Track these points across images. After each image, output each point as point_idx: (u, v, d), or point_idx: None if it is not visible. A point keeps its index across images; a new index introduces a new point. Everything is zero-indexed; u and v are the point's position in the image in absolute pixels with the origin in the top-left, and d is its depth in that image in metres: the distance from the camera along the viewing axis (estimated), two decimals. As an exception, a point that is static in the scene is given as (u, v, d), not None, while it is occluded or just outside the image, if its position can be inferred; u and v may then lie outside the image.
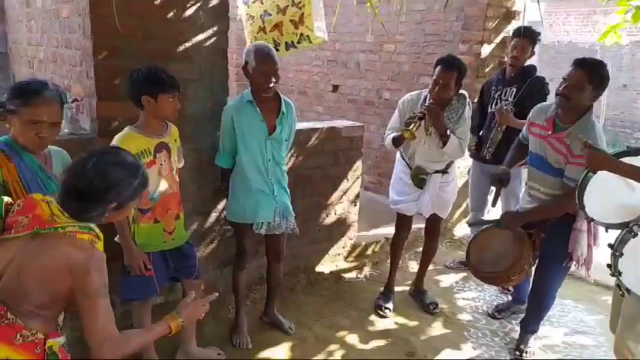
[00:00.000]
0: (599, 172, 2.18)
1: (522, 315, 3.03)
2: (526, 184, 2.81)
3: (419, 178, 3.07)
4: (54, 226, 1.46)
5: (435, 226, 3.31)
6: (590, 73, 2.35)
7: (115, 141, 2.18)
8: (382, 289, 3.40)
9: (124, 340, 1.54)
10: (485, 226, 2.85)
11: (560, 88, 2.42)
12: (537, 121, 2.64)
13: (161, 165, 2.27)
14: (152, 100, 2.16)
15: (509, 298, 3.38)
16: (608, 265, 2.21)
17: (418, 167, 3.06)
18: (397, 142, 2.98)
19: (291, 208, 2.81)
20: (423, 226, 4.32)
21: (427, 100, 2.96)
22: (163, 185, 2.30)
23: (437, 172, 3.07)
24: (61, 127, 1.94)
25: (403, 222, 3.28)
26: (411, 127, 2.81)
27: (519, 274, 2.56)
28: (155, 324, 1.66)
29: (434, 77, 2.88)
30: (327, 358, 2.77)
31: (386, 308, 3.25)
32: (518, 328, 2.97)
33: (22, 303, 1.47)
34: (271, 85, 2.54)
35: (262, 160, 2.65)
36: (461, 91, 2.97)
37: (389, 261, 3.45)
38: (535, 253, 2.64)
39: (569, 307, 3.41)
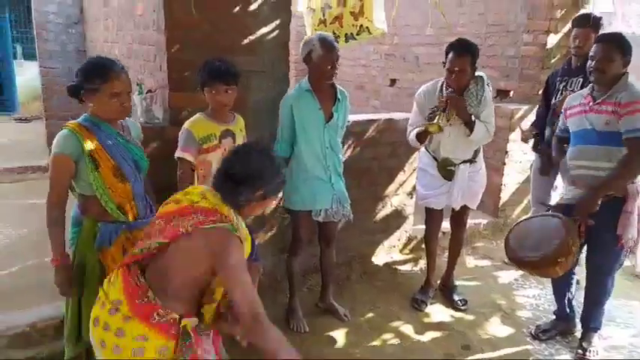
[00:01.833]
0: None
1: (571, 336, 2.92)
2: (568, 171, 2.69)
3: (447, 170, 3.01)
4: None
5: (463, 217, 3.24)
6: (616, 43, 2.48)
7: (187, 124, 2.37)
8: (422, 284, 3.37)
9: (270, 325, 1.58)
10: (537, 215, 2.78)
11: (592, 65, 2.50)
12: (574, 103, 2.67)
13: (224, 150, 2.40)
14: (203, 90, 2.35)
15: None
16: None
17: (445, 159, 3.01)
18: (422, 137, 2.95)
19: (347, 194, 2.87)
20: (483, 221, 4.32)
21: (444, 88, 2.91)
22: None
23: (464, 162, 3.01)
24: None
25: (433, 216, 3.21)
26: (435, 120, 2.77)
27: (567, 256, 2.40)
28: (290, 347, 1.62)
29: (447, 66, 2.83)
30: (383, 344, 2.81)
31: (422, 302, 3.22)
32: (580, 327, 2.86)
33: (165, 282, 1.62)
34: (333, 74, 2.64)
35: (320, 148, 2.73)
36: (477, 73, 2.90)
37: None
38: (581, 241, 2.53)
39: (636, 309, 3.25)
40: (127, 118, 2.17)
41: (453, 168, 3.01)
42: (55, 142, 1.99)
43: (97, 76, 1.97)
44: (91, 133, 2.01)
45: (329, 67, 2.62)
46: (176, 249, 1.62)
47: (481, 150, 3.11)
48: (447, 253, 3.45)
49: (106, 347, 1.59)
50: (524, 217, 2.79)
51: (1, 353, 2.44)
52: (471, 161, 3.04)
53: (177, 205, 1.69)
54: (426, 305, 3.22)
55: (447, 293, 3.35)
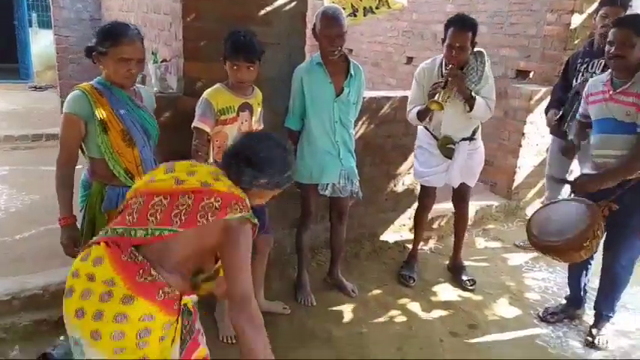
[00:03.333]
0: None
1: (578, 322, 2.90)
2: (591, 158, 2.63)
3: (447, 149, 2.97)
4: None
5: (464, 195, 3.21)
6: (635, 27, 2.36)
7: (206, 94, 2.35)
8: (406, 258, 3.38)
9: (260, 323, 1.53)
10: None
11: (612, 51, 2.40)
12: (594, 90, 2.58)
13: (242, 123, 2.40)
14: (225, 62, 2.31)
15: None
16: None
17: (445, 137, 2.97)
18: (423, 115, 2.91)
19: (356, 171, 2.85)
20: (495, 203, 4.29)
21: (444, 65, 2.85)
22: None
23: (464, 139, 2.98)
24: (144, 64, 2.15)
25: (429, 193, 3.20)
26: (436, 97, 2.72)
27: (592, 240, 2.36)
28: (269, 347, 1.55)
29: (447, 42, 2.76)
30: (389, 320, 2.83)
31: (410, 277, 3.22)
32: (591, 313, 2.85)
33: (166, 259, 1.54)
34: (336, 48, 2.58)
35: (329, 122, 2.71)
36: (477, 49, 2.83)
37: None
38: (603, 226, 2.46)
39: (648, 295, 3.23)
40: (140, 86, 2.16)
41: (453, 146, 2.98)
42: (66, 102, 2.01)
43: (107, 39, 1.98)
44: (102, 95, 2.02)
45: (327, 43, 2.57)
46: (186, 236, 1.52)
47: (480, 127, 3.07)
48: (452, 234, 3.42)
49: (101, 338, 1.42)
50: (547, 202, 2.75)
51: (15, 315, 2.49)
52: (471, 139, 3.01)
53: (184, 186, 1.55)
54: (414, 280, 3.22)
55: (455, 273, 3.34)
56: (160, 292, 1.48)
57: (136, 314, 1.43)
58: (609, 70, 2.54)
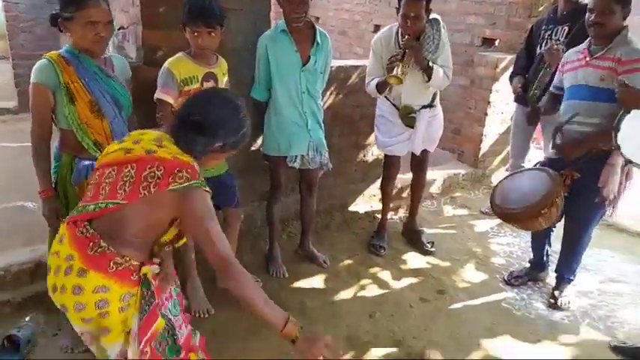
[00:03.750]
0: (633, 110, 2.16)
1: (542, 284, 3.00)
2: (552, 128, 2.65)
3: (409, 118, 2.99)
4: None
5: (423, 161, 3.25)
6: None
7: (167, 63, 2.25)
8: (375, 229, 3.42)
9: (247, 279, 1.50)
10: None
11: (592, 18, 2.41)
12: (571, 58, 2.61)
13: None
14: (185, 29, 2.22)
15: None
16: None
17: (406, 107, 2.98)
18: (382, 88, 2.89)
19: (325, 142, 2.82)
20: (462, 171, 4.36)
21: (400, 35, 2.83)
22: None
23: (424, 107, 3.00)
24: (114, 26, 2.07)
25: (393, 162, 3.23)
26: (394, 72, 2.69)
27: (550, 208, 2.41)
28: (276, 308, 1.52)
29: (401, 12, 2.72)
30: (360, 290, 2.87)
31: (380, 247, 3.26)
32: (553, 275, 2.96)
33: (119, 231, 1.51)
34: (300, 15, 2.51)
35: (296, 92, 2.65)
36: (432, 16, 2.81)
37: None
38: (565, 194, 2.53)
39: (606, 257, 3.37)
40: (113, 54, 2.10)
41: (414, 115, 2.98)
42: (32, 71, 1.96)
43: (71, 4, 1.92)
44: (69, 64, 1.96)
45: (289, 9, 2.50)
46: (135, 207, 1.49)
47: (438, 93, 3.08)
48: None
49: (68, 309, 1.51)
50: (511, 172, 2.79)
51: (-24, 296, 2.41)
52: (430, 106, 3.03)
53: (130, 155, 1.52)
54: (385, 250, 3.26)
55: (414, 238, 3.39)
56: (111, 263, 1.50)
57: (89, 286, 1.47)
58: (587, 40, 2.54)
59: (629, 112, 2.22)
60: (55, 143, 2.11)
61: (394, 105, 3.03)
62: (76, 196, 2.02)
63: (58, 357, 2.22)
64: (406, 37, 2.74)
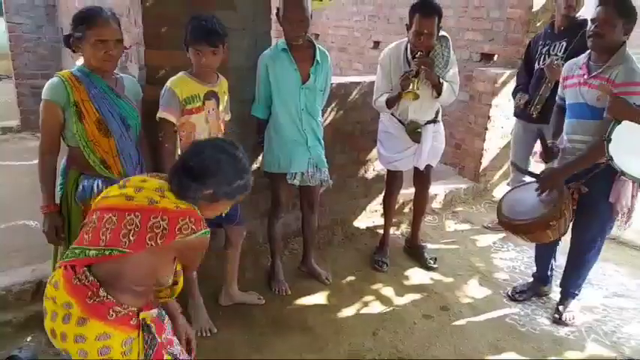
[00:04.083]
0: (624, 121, 2.18)
1: (546, 299, 2.98)
2: (564, 143, 2.67)
3: (416, 133, 3.01)
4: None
5: (427, 176, 3.26)
6: (618, 7, 2.36)
7: (169, 83, 2.27)
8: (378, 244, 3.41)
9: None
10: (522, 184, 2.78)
11: (592, 28, 2.40)
12: (571, 73, 2.60)
13: (208, 112, 2.33)
14: (187, 50, 2.25)
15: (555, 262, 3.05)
16: None
17: (412, 122, 3.00)
18: (392, 103, 2.91)
19: (325, 159, 2.84)
20: (463, 186, 4.36)
21: (408, 51, 2.87)
22: (209, 132, 2.36)
23: (428, 122, 3.02)
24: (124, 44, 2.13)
25: (396, 177, 3.24)
26: (411, 87, 2.72)
27: (559, 220, 2.41)
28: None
29: (414, 28, 2.74)
30: (363, 307, 2.85)
31: (383, 263, 3.26)
32: (557, 289, 2.93)
33: (118, 278, 1.50)
34: (300, 33, 2.54)
35: (296, 110, 2.67)
36: (441, 33, 2.84)
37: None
38: (573, 209, 2.53)
39: (610, 271, 3.35)
40: (124, 75, 2.17)
41: (420, 130, 3.01)
42: (44, 89, 2.01)
43: (82, 23, 1.97)
44: (80, 82, 2.01)
45: (290, 28, 2.53)
46: (138, 256, 1.49)
47: (441, 109, 3.11)
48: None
49: (72, 355, 1.50)
50: (517, 184, 2.81)
51: (-23, 317, 2.40)
52: (434, 121, 3.05)
53: (132, 203, 1.50)
54: (387, 265, 3.25)
55: (416, 253, 3.38)
56: (111, 311, 1.48)
57: (92, 334, 1.46)
58: (587, 53, 2.55)
59: (619, 123, 2.23)
60: (62, 160, 2.14)
61: (399, 120, 3.05)
62: (80, 214, 2.04)
63: (60, 378, 2.20)
64: (419, 53, 2.78)
